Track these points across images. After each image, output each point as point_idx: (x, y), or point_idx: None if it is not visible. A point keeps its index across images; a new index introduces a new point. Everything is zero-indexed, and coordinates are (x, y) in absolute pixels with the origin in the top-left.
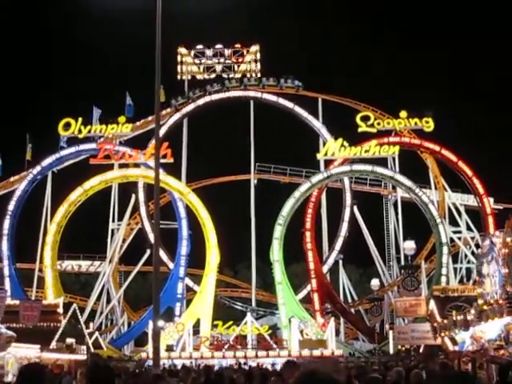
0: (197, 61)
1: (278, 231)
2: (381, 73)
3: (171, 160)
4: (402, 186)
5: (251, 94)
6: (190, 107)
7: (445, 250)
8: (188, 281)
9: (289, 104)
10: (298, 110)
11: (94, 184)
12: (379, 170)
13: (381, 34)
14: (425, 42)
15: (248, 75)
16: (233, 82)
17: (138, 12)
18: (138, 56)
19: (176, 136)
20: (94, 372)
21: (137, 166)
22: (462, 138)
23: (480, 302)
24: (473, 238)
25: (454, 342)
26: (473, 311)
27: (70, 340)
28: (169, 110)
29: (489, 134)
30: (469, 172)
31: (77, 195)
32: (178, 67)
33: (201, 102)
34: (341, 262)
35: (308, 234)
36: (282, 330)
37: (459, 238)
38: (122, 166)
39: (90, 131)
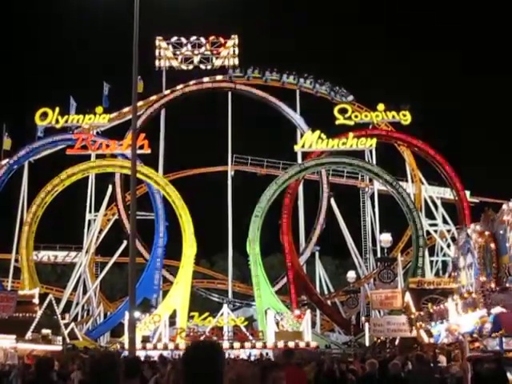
0: (175, 51)
1: (255, 223)
2: (359, 66)
3: (148, 151)
4: (378, 179)
5: (228, 85)
6: (167, 98)
7: (420, 240)
8: (164, 272)
9: (267, 96)
10: (276, 101)
11: (63, 178)
12: (348, 160)
13: (360, 27)
14: (404, 34)
15: (226, 66)
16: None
17: (117, 1)
18: (116, 46)
19: (153, 127)
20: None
21: (114, 156)
22: (438, 131)
23: (455, 293)
24: (449, 231)
25: (430, 335)
26: (447, 304)
27: (45, 331)
28: (149, 99)
29: (466, 128)
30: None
31: (53, 185)
32: (156, 58)
33: (178, 93)
34: (317, 253)
35: (285, 226)
36: (258, 322)
37: (435, 231)
38: (99, 156)
39: (67, 121)
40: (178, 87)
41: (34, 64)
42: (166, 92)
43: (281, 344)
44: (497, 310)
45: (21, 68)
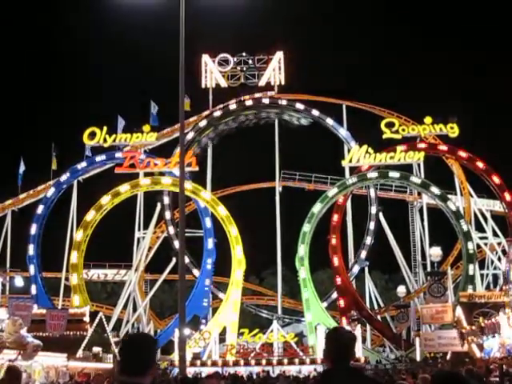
0: (221, 69)
1: (304, 238)
2: (405, 79)
3: (196, 168)
4: (427, 192)
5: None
6: (214, 116)
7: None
8: (214, 289)
9: (314, 112)
10: (323, 116)
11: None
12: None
13: (406, 40)
14: (448, 46)
15: (272, 83)
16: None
17: (162, 20)
18: (163, 64)
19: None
20: None
21: (162, 174)
22: (483, 141)
23: (507, 308)
24: (499, 244)
25: (482, 349)
26: (499, 317)
27: (96, 349)
28: (194, 117)
29: None
30: (496, 180)
31: (101, 204)
32: (203, 75)
33: (222, 111)
34: (366, 268)
35: (333, 241)
36: (308, 338)
37: (485, 244)
38: (147, 174)
39: (114, 140)
40: (223, 105)
41: (82, 83)
42: (213, 109)
43: None
44: None
45: (69, 87)
